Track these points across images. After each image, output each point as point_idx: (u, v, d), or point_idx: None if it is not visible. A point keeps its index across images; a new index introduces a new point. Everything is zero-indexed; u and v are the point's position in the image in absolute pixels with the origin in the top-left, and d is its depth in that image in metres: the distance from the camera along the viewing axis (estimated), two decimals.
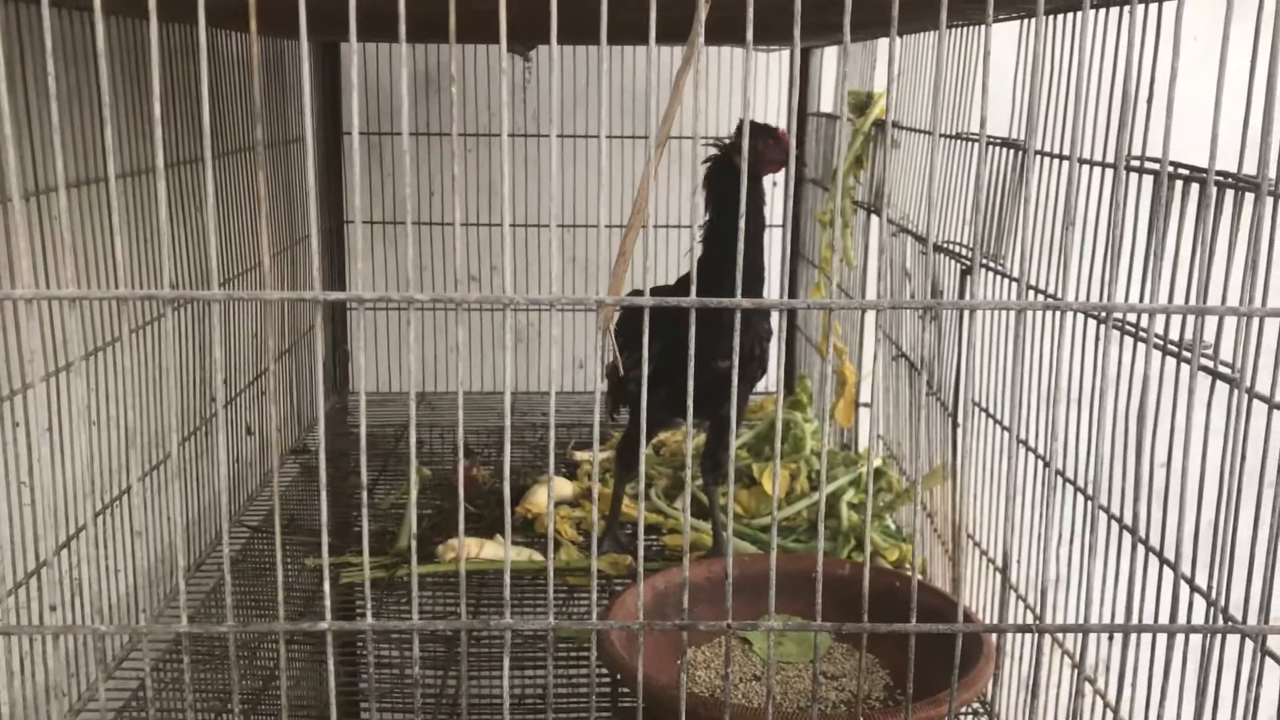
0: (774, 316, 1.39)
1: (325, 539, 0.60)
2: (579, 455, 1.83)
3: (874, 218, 1.58)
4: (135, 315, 1.21)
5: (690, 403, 0.66)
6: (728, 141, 1.30)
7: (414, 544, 0.59)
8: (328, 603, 0.59)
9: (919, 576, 1.43)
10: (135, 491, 1.22)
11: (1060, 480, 1.04)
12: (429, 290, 2.15)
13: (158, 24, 0.57)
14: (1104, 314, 0.65)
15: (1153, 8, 0.85)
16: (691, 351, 0.65)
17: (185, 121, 1.40)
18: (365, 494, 0.57)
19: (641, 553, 0.64)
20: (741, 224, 0.63)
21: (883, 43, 1.69)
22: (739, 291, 0.63)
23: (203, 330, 1.44)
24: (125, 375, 1.08)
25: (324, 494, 0.57)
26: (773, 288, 2.09)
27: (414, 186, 2.15)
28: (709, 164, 1.30)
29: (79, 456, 0.96)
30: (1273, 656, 0.71)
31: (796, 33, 0.59)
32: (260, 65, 1.56)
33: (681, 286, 1.34)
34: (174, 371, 1.28)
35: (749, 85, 0.59)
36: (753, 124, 1.29)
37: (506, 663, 0.60)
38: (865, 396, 1.70)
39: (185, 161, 1.39)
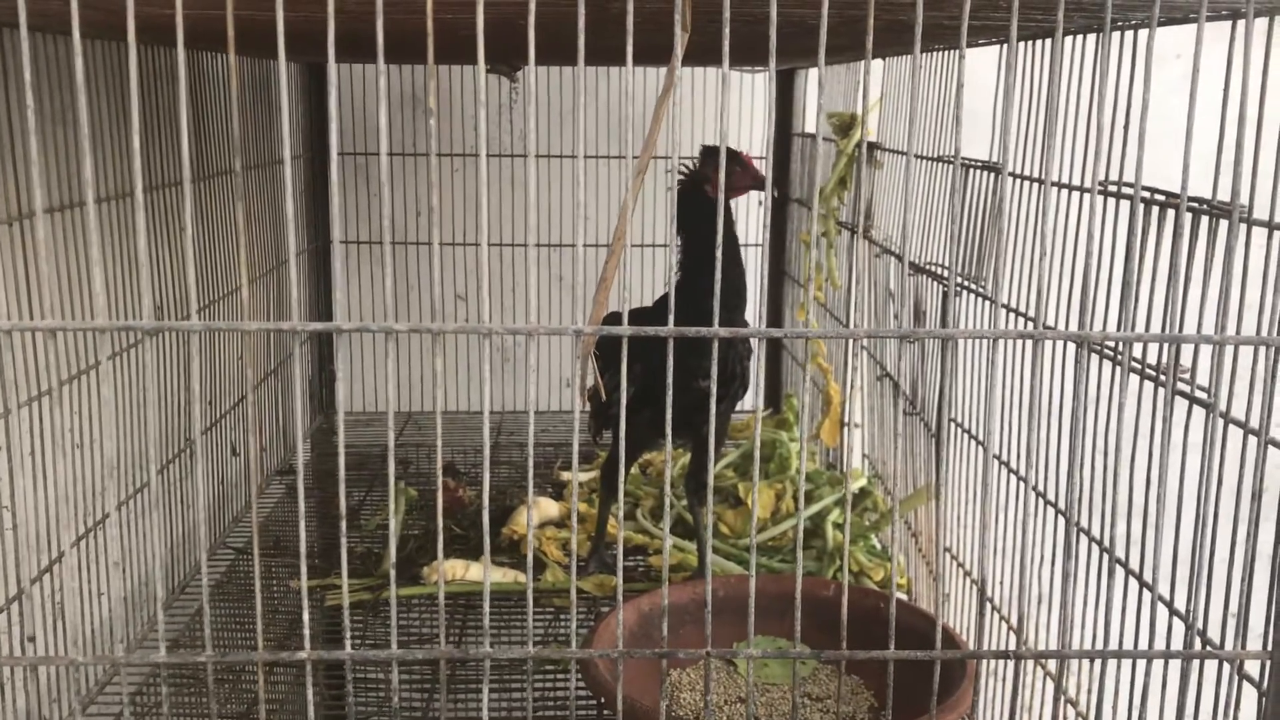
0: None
1: (304, 565, 0.60)
2: (565, 475, 1.83)
3: (858, 238, 1.58)
4: (115, 342, 1.20)
5: (669, 424, 0.67)
6: (693, 166, 1.31)
7: (394, 572, 0.59)
8: (306, 632, 0.59)
9: (903, 596, 1.43)
10: (116, 518, 1.22)
11: (1040, 501, 1.05)
12: (410, 318, 2.15)
13: (137, 46, 0.57)
14: (1080, 340, 0.66)
15: (1128, 35, 0.86)
16: (669, 377, 0.65)
17: (167, 144, 1.40)
18: (343, 521, 0.57)
19: (621, 577, 0.64)
20: (719, 247, 0.63)
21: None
22: (716, 318, 0.64)
23: (185, 354, 1.44)
24: (105, 401, 1.08)
25: (303, 524, 0.57)
26: (750, 308, 2.09)
27: (400, 208, 2.15)
28: (679, 188, 1.31)
29: (59, 483, 0.96)
30: (1249, 680, 0.71)
31: (773, 63, 0.60)
32: (239, 97, 1.56)
33: (660, 307, 1.35)
34: (154, 401, 1.28)
35: (726, 113, 0.60)
36: (714, 149, 1.31)
37: (486, 691, 0.60)
38: (851, 416, 1.70)
39: (167, 185, 1.39)
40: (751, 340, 1.37)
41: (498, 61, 1.51)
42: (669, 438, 0.67)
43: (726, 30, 0.57)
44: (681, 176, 1.31)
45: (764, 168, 1.39)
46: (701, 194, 1.28)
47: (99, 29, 1.05)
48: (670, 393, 0.65)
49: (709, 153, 1.31)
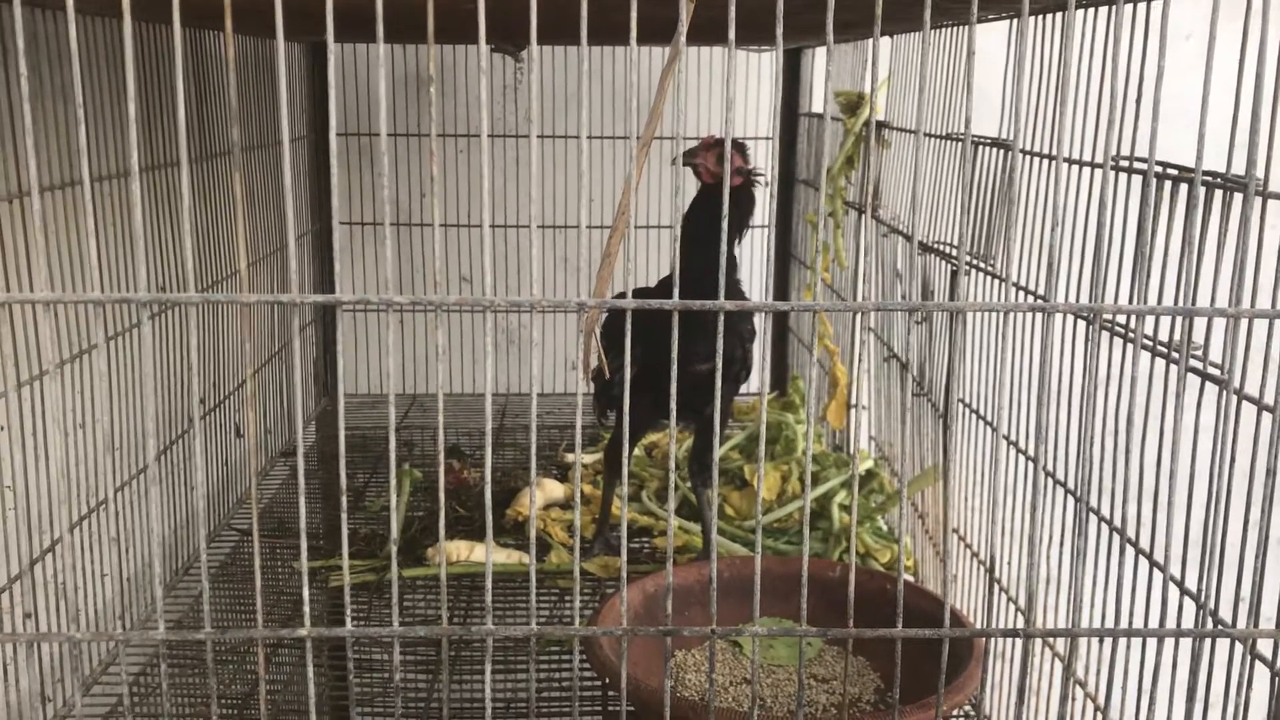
0: (757, 318, 1.39)
1: (304, 544, 0.60)
2: (570, 457, 1.83)
3: (865, 218, 1.57)
4: (115, 321, 1.20)
5: (674, 404, 0.66)
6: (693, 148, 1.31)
7: (394, 550, 0.58)
8: (306, 609, 0.58)
9: (910, 578, 1.43)
10: (122, 496, 1.21)
11: (1049, 481, 1.04)
12: (410, 293, 2.14)
13: (133, 23, 0.56)
14: (1092, 315, 0.65)
15: (1140, 7, 0.85)
16: (675, 353, 0.64)
17: (172, 123, 1.39)
18: (344, 498, 0.56)
19: (625, 557, 0.64)
20: (723, 230, 0.62)
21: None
22: (721, 292, 0.63)
23: (186, 332, 1.43)
24: (101, 376, 1.07)
25: (303, 503, 0.57)
26: (754, 289, 2.08)
27: (405, 189, 2.14)
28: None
29: (60, 462, 0.95)
30: (1261, 659, 0.70)
31: (779, 33, 0.59)
32: (237, 66, 1.55)
33: (663, 288, 1.34)
34: (153, 378, 1.27)
35: (731, 87, 0.59)
36: (718, 138, 1.30)
37: (489, 669, 0.60)
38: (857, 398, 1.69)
39: (173, 164, 1.38)
40: (755, 323, 1.36)
41: (502, 40, 1.49)
42: (674, 419, 0.66)
43: None
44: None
45: (770, 149, 1.38)
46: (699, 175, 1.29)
47: (97, 5, 1.04)
48: (674, 372, 0.65)
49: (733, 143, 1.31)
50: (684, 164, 1.27)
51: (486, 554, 0.59)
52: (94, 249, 0.55)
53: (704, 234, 1.23)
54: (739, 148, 1.31)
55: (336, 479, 1.78)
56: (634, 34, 0.59)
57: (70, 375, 1.09)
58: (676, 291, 0.63)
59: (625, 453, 0.66)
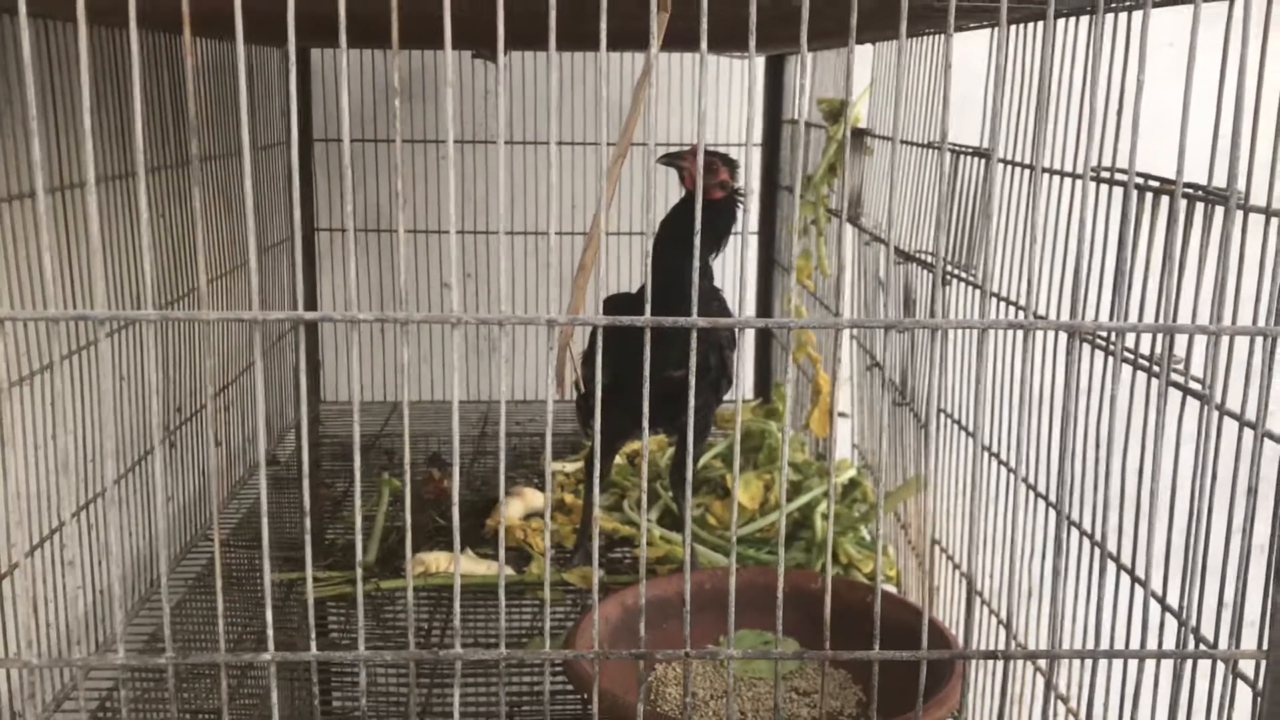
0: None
1: (267, 561, 0.58)
2: (555, 466, 1.81)
3: (849, 226, 1.56)
4: (82, 337, 1.18)
5: (645, 414, 0.65)
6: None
7: (360, 571, 0.57)
8: (270, 633, 0.57)
9: (891, 589, 1.42)
10: (93, 512, 1.19)
11: (1030, 494, 1.03)
12: (398, 307, 2.13)
13: (94, 29, 0.55)
14: (1072, 331, 0.64)
15: (1122, 17, 0.84)
16: (647, 366, 0.63)
17: (147, 132, 1.37)
18: (306, 519, 0.55)
19: (597, 572, 0.62)
20: (697, 240, 0.61)
21: (860, 50, 1.68)
22: (695, 308, 0.62)
23: (168, 346, 1.41)
24: (66, 398, 1.05)
25: (265, 518, 0.55)
26: (736, 297, 2.07)
27: (388, 194, 2.13)
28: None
29: (18, 483, 0.94)
30: (1244, 679, 0.70)
31: (752, 43, 0.58)
32: (196, 75, 1.53)
33: (643, 295, 1.33)
34: (113, 396, 1.25)
35: (702, 100, 0.58)
36: (709, 149, 1.30)
37: (457, 694, 0.58)
38: (841, 406, 1.68)
39: (149, 170, 1.36)
40: (734, 330, 1.35)
41: (480, 46, 1.48)
42: (645, 426, 0.65)
43: (705, 5, 0.55)
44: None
45: (749, 156, 1.37)
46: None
47: (53, 10, 1.02)
48: (646, 382, 0.64)
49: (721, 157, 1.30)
50: (666, 164, 1.26)
51: (455, 575, 0.58)
52: (49, 264, 0.54)
53: (679, 241, 1.23)
54: (730, 163, 1.30)
55: (314, 489, 1.77)
56: (604, 44, 0.58)
57: (35, 393, 1.07)
58: (649, 305, 0.62)
59: (597, 464, 0.65)
